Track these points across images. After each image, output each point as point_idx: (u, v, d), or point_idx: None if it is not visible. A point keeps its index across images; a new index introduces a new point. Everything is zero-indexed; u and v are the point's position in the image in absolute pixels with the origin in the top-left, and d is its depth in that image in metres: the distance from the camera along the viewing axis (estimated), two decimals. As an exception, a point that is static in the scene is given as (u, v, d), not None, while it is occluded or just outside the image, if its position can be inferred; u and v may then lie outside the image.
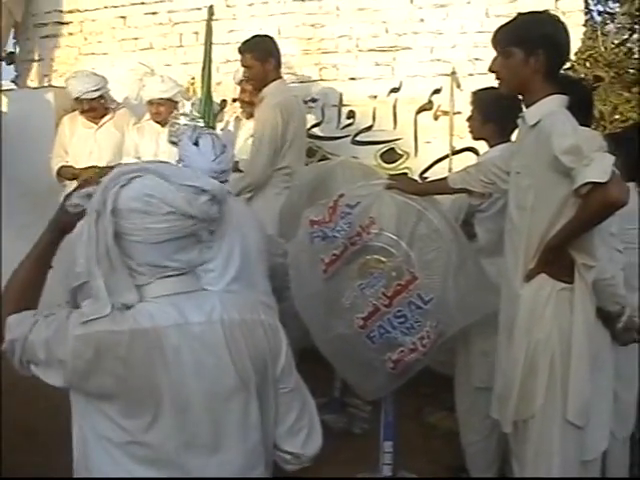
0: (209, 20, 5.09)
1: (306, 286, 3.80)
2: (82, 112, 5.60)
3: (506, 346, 3.07)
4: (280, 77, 4.90)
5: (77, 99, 5.51)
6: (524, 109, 3.04)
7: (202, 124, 4.64)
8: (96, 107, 5.56)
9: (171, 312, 1.80)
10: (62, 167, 5.63)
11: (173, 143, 4.37)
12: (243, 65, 4.87)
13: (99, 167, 5.41)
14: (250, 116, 5.27)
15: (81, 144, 5.66)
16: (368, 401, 4.30)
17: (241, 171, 4.89)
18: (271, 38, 4.96)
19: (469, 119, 4.04)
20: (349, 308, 3.65)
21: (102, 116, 5.67)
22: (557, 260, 2.87)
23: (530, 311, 2.93)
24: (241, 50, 4.85)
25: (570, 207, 2.80)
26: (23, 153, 5.99)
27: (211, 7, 5.08)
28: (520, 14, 3.11)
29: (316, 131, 5.82)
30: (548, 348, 2.87)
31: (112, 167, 1.87)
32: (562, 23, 3.01)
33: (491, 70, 3.11)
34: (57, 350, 1.75)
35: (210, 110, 5.12)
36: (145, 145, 5.35)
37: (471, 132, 4.06)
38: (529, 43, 2.94)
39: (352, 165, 5.03)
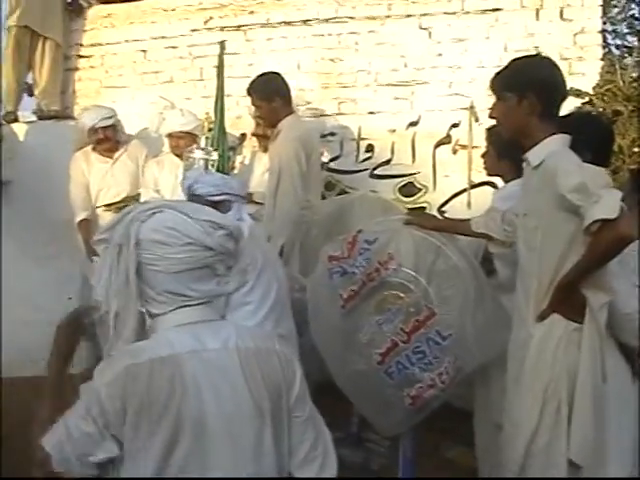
0: (221, 54, 5.16)
1: (324, 321, 3.83)
2: (97, 143, 5.66)
3: (514, 387, 3.08)
4: (293, 112, 4.98)
5: (92, 129, 5.58)
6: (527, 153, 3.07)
7: (216, 157, 4.69)
8: (110, 137, 5.64)
9: (189, 339, 1.90)
10: (82, 221, 5.66)
11: (187, 177, 4.43)
12: (254, 105, 4.99)
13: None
14: (266, 150, 5.34)
15: (98, 180, 5.72)
16: (386, 436, 4.29)
17: (257, 202, 4.93)
18: (277, 74, 5.03)
19: (484, 155, 4.08)
20: (367, 343, 3.68)
21: (115, 149, 5.76)
22: (569, 299, 2.88)
23: (540, 352, 2.93)
24: (248, 91, 4.96)
25: (579, 245, 2.82)
26: (42, 184, 6.09)
27: (223, 42, 5.14)
28: (514, 60, 3.18)
29: (335, 165, 5.87)
30: (557, 391, 2.87)
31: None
32: (554, 65, 3.07)
33: (491, 116, 3.17)
34: (95, 411, 1.82)
35: (224, 144, 5.16)
36: (164, 178, 5.40)
37: (486, 168, 4.10)
38: (520, 87, 3.00)
39: (371, 199, 5.11)
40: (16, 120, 6.37)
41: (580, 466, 2.83)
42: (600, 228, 2.68)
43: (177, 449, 1.83)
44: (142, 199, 5.53)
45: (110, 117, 5.61)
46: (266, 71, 5.13)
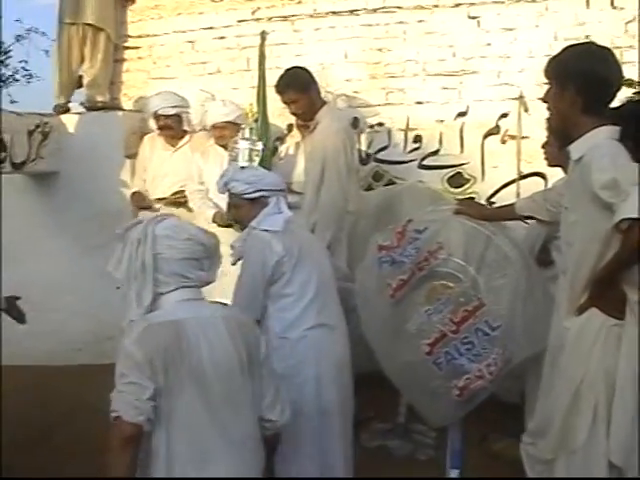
0: (262, 45, 5.20)
1: (373, 311, 3.87)
2: (159, 129, 5.73)
3: (549, 379, 3.08)
4: (325, 103, 5.00)
5: (155, 115, 5.65)
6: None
7: (260, 147, 4.72)
8: (172, 126, 5.66)
9: (188, 309, 2.59)
10: (134, 193, 5.82)
11: (233, 167, 4.47)
12: (286, 102, 4.96)
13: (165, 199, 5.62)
14: (309, 140, 5.35)
15: (158, 166, 5.81)
16: (433, 427, 4.31)
17: (296, 192, 4.94)
18: (302, 68, 5.05)
19: (544, 145, 4.04)
20: (415, 334, 3.70)
21: (179, 138, 5.80)
22: (607, 294, 2.87)
23: (576, 345, 2.93)
24: (280, 89, 4.94)
25: (616, 241, 2.80)
26: (90, 175, 6.20)
27: (263, 32, 5.18)
28: (566, 47, 3.12)
29: (382, 155, 5.86)
30: (594, 387, 2.86)
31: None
32: (604, 56, 3.00)
33: (543, 100, 3.13)
34: (129, 363, 2.45)
35: (267, 133, 5.20)
36: (210, 170, 5.40)
37: (546, 159, 4.06)
38: (562, 78, 2.97)
39: (419, 190, 5.12)
40: (67, 111, 6.50)
41: (620, 467, 2.83)
42: (630, 226, 2.68)
43: (189, 389, 2.47)
44: (187, 191, 5.60)
45: (174, 106, 5.64)
46: (291, 67, 5.12)
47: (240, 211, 3.69)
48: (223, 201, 4.14)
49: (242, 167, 3.90)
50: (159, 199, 5.70)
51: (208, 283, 2.73)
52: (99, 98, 6.48)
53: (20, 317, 4.09)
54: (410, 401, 4.11)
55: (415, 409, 4.01)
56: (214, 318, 2.62)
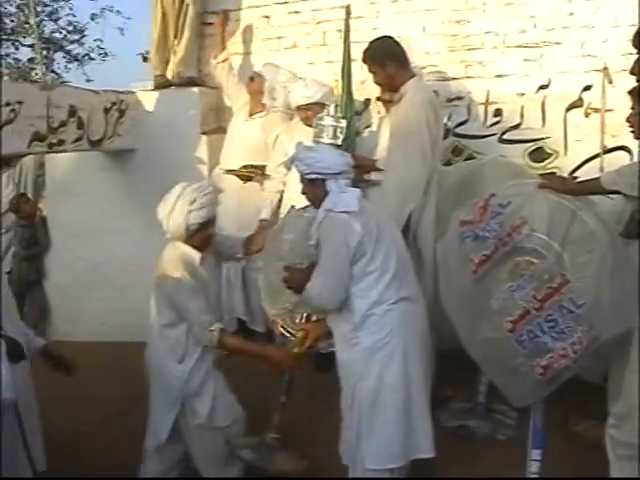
0: (347, 19, 5.18)
1: (455, 286, 3.87)
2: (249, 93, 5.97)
3: (636, 359, 3.04)
4: (413, 75, 4.96)
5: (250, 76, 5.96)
6: None
7: (344, 124, 4.73)
8: (255, 89, 5.92)
9: None
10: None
11: (317, 144, 4.49)
12: (369, 72, 5.01)
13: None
14: (394, 115, 5.33)
15: (231, 135, 6.06)
16: (514, 407, 4.29)
17: (380, 169, 4.95)
18: (389, 38, 5.05)
19: (629, 118, 3.96)
20: (498, 311, 3.68)
21: (258, 111, 5.98)
22: None
23: None
24: (363, 60, 5.00)
25: None
26: (169, 152, 6.31)
27: (348, 6, 5.16)
28: None
29: (462, 130, 5.84)
30: None
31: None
32: None
33: (631, 72, 3.06)
34: None
35: (352, 110, 5.21)
36: (296, 141, 5.43)
37: (632, 131, 3.97)
38: None
39: (501, 164, 5.07)
40: (169, 85, 6.64)
41: None
42: None
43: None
44: (268, 171, 5.68)
45: (265, 75, 5.90)
46: (379, 36, 5.15)
47: (306, 190, 3.82)
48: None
49: (306, 146, 3.92)
50: (228, 170, 5.81)
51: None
52: (188, 74, 6.59)
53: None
54: (491, 380, 4.09)
55: (496, 388, 3.97)
56: None
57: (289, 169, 3.88)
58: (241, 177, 5.86)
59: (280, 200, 5.66)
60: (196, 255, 3.95)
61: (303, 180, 3.80)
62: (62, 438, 4.32)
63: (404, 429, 3.59)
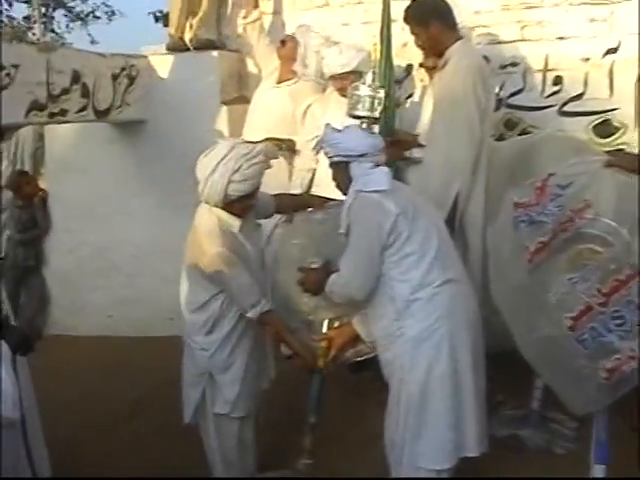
0: (387, -25, 5.16)
1: (507, 277, 3.86)
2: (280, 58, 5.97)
3: None
4: (460, 37, 4.92)
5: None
6: None
7: (382, 95, 4.71)
8: (287, 55, 5.91)
9: None
10: None
11: (353, 117, 4.51)
12: (411, 33, 4.98)
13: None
14: (439, 83, 5.30)
15: (256, 103, 6.05)
16: (574, 416, 4.27)
17: (423, 145, 4.94)
18: None
19: None
20: (557, 305, 3.64)
21: (287, 77, 5.97)
22: None
23: None
24: (404, 20, 4.98)
25: None
26: (184, 124, 6.33)
27: (388, -39, 5.14)
28: None
29: (516, 100, 5.79)
30: None
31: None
32: None
33: None
34: None
35: (391, 78, 5.17)
36: (331, 115, 5.43)
37: None
38: None
39: (560, 139, 5.03)
40: (186, 49, 6.62)
41: None
42: None
43: None
44: (298, 147, 5.68)
45: (299, 39, 5.90)
46: None
47: (333, 172, 3.89)
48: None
49: (333, 127, 3.93)
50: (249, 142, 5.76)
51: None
52: (207, 36, 6.60)
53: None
54: (548, 384, 4.07)
55: (553, 393, 3.95)
56: None
57: (318, 152, 3.90)
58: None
59: (312, 180, 5.66)
60: (235, 222, 3.98)
61: (329, 162, 3.88)
62: (59, 445, 4.33)
63: (455, 424, 3.63)
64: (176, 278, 4.21)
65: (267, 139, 5.72)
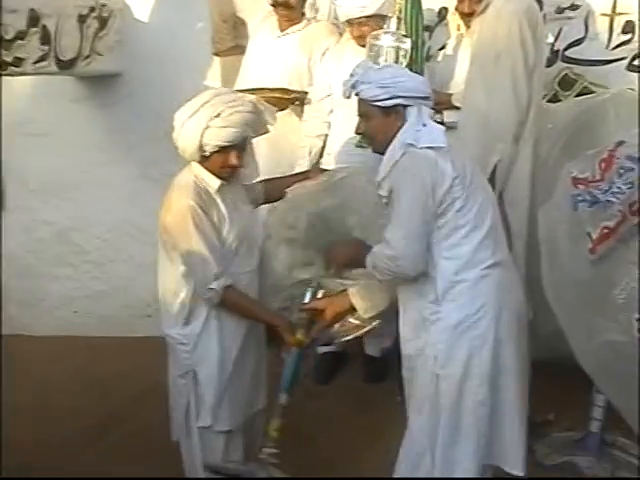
0: None
1: (563, 270, 3.85)
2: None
3: None
4: None
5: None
6: None
7: (408, 45, 4.68)
8: (288, 2, 5.73)
9: None
10: None
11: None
12: None
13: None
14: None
15: (256, 53, 5.91)
16: (641, 440, 4.27)
17: (457, 107, 4.91)
18: None
19: None
20: (624, 305, 3.65)
21: (292, 22, 5.82)
22: None
23: None
24: None
25: None
26: (168, 79, 6.29)
27: None
28: None
29: (575, 52, 5.72)
30: None
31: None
32: None
33: None
34: None
35: (419, 24, 5.12)
36: (344, 68, 5.37)
37: None
38: None
39: (631, 100, 4.98)
40: None
41: None
42: None
43: None
44: (312, 99, 5.63)
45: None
46: None
47: (370, 123, 3.76)
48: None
49: (371, 65, 3.89)
50: (251, 91, 5.64)
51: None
52: None
53: None
54: (610, 400, 4.07)
55: (617, 413, 3.95)
56: None
57: (349, 97, 3.82)
58: (273, 102, 5.70)
59: (323, 148, 5.61)
60: (214, 182, 3.98)
61: (368, 109, 3.75)
62: (9, 471, 4.33)
63: (489, 431, 3.62)
64: (155, 266, 4.17)
65: (273, 89, 5.65)
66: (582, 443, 4.61)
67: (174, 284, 4.01)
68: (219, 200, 3.97)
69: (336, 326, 4.02)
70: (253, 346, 4.15)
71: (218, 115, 3.80)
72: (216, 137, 3.82)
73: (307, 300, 4.08)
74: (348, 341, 4.14)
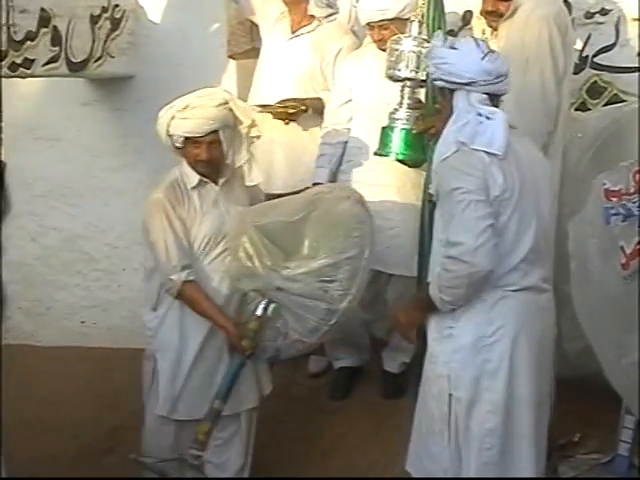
0: None
1: (594, 286, 3.83)
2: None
3: None
4: None
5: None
6: None
7: (431, 49, 4.66)
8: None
9: None
10: None
11: (391, 78, 4.46)
12: None
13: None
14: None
15: (265, 56, 5.94)
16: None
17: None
18: None
19: None
20: (658, 324, 3.62)
21: (302, 23, 5.84)
22: None
23: None
24: None
25: None
26: (181, 82, 6.26)
27: None
28: None
29: (606, 59, 5.69)
30: None
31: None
32: None
33: None
34: None
35: (443, 28, 5.08)
36: (364, 73, 5.38)
37: None
38: None
39: (665, 110, 4.96)
40: None
41: None
42: None
43: None
44: (326, 115, 5.60)
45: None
46: None
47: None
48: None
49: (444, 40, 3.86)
50: (262, 106, 5.66)
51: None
52: None
53: None
54: (641, 418, 4.04)
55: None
56: None
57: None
58: (279, 117, 5.74)
59: (342, 156, 5.54)
60: (193, 178, 4.29)
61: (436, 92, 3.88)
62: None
63: (500, 464, 3.59)
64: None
65: (282, 101, 5.65)
66: (610, 466, 4.56)
67: (148, 270, 4.41)
68: (195, 196, 4.28)
69: (279, 340, 4.19)
70: (220, 344, 4.31)
71: (185, 107, 4.17)
72: (180, 128, 4.19)
73: (259, 312, 4.20)
74: (292, 358, 4.47)
